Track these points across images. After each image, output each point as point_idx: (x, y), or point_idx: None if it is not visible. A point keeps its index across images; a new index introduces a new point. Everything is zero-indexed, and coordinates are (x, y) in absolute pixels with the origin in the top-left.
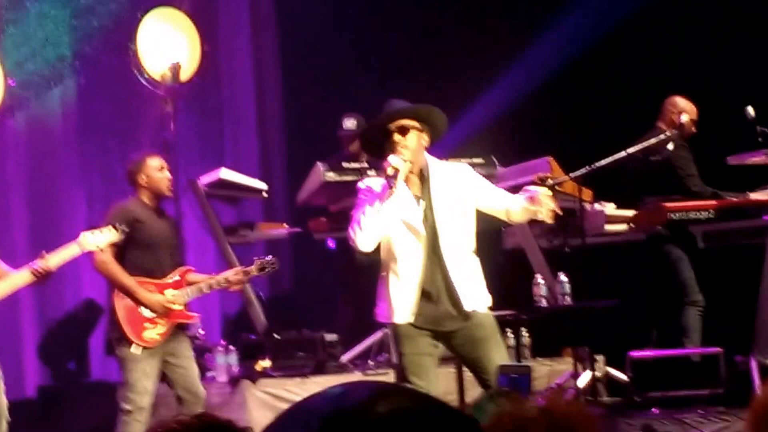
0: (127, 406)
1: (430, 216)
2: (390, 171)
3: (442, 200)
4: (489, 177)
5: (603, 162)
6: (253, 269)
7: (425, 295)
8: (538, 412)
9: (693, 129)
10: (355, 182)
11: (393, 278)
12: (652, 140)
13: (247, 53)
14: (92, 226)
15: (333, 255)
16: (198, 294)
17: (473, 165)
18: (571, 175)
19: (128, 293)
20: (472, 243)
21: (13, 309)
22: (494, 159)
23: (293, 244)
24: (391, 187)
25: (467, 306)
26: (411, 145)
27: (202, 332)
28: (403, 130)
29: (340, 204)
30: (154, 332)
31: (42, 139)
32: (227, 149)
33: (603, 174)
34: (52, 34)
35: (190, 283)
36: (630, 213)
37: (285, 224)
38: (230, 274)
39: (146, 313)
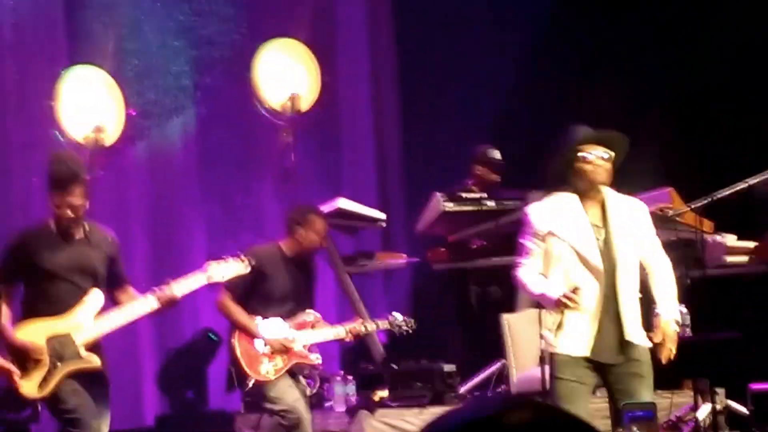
0: (272, 406)
1: (609, 247)
2: (570, 305)
3: (620, 233)
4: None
5: (724, 193)
6: (381, 324)
7: (599, 328)
8: None
9: None
10: (473, 213)
11: (568, 312)
12: None
13: (365, 82)
14: (211, 255)
15: (451, 285)
16: (320, 340)
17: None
18: (691, 205)
19: (246, 330)
20: (638, 279)
21: (132, 338)
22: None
23: (412, 273)
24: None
25: (632, 340)
26: (601, 174)
27: (319, 361)
28: (595, 158)
29: (459, 234)
30: (271, 366)
31: (163, 168)
32: (346, 179)
33: (724, 205)
34: (173, 64)
35: (313, 327)
36: (751, 244)
37: (403, 254)
38: (354, 326)
39: (261, 348)
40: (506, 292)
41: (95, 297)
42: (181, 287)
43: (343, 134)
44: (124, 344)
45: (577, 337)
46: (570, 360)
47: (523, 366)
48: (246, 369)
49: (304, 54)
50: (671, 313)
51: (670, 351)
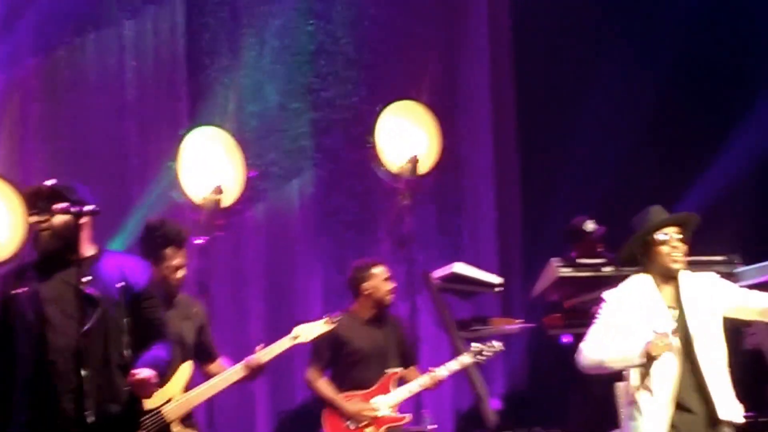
0: None
1: (683, 326)
2: (659, 351)
3: (695, 310)
4: (728, 276)
5: None
6: (465, 357)
7: (680, 407)
8: None
9: None
10: (589, 279)
11: (644, 394)
12: None
13: (488, 146)
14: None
15: (567, 351)
16: (407, 395)
17: (711, 263)
18: None
19: (333, 407)
20: (725, 354)
21: (248, 402)
22: (735, 257)
23: (528, 339)
24: (649, 360)
25: (723, 416)
26: (678, 256)
27: (434, 426)
28: (671, 239)
29: (575, 300)
30: None
31: (280, 230)
32: (465, 243)
33: None
34: (292, 126)
35: (399, 384)
36: None
37: (519, 320)
38: (441, 370)
39: (350, 425)
40: None
41: (185, 369)
42: (267, 353)
43: (463, 198)
44: (241, 408)
45: (653, 420)
46: None
47: None
48: None
49: (425, 117)
50: None
51: None
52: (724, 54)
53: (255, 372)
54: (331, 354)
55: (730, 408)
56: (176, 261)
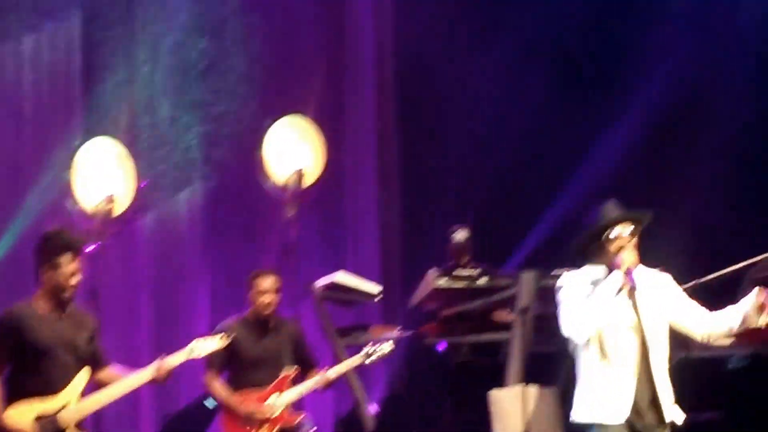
0: None
1: (639, 322)
2: (627, 266)
3: (649, 307)
4: None
5: (709, 277)
6: (357, 359)
7: (634, 404)
8: None
9: None
10: (464, 290)
11: (603, 380)
12: None
13: (371, 159)
14: (215, 324)
15: (443, 359)
16: (298, 395)
17: None
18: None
19: (229, 408)
20: (667, 354)
21: (133, 406)
22: None
23: (406, 346)
24: (630, 282)
25: (668, 418)
26: (630, 250)
27: (314, 429)
28: (624, 234)
29: (451, 309)
30: None
31: (169, 239)
32: (348, 253)
33: (711, 287)
34: (183, 139)
35: (292, 385)
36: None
37: (398, 327)
38: (331, 372)
39: (248, 426)
40: (496, 368)
41: (82, 375)
42: (171, 361)
43: (346, 209)
44: (125, 411)
45: (613, 406)
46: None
47: None
48: None
49: (311, 131)
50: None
51: None
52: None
53: (163, 377)
54: (225, 359)
55: (672, 410)
56: (71, 267)
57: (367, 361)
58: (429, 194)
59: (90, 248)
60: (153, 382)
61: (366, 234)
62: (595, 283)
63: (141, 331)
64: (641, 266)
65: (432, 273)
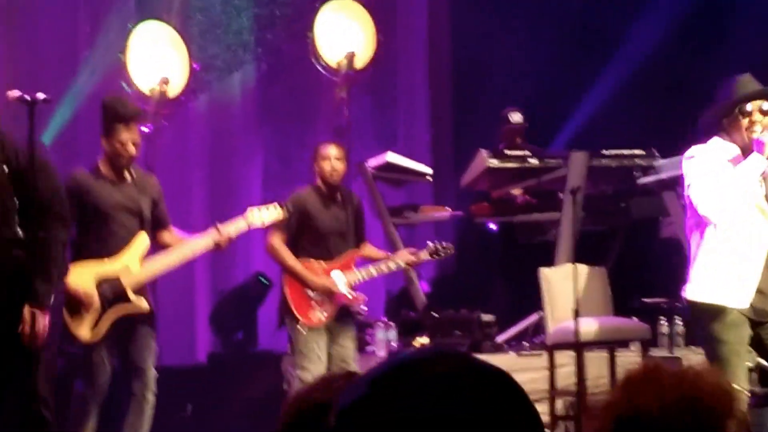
0: (303, 374)
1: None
2: None
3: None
4: (649, 169)
5: None
6: (423, 254)
7: (757, 291)
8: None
9: None
10: (516, 169)
11: (732, 260)
12: None
13: (421, 43)
14: (265, 204)
15: (493, 238)
16: (367, 277)
17: (633, 156)
18: None
19: (295, 276)
20: None
21: (188, 281)
22: (654, 151)
23: (456, 226)
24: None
25: None
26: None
27: (365, 309)
28: (754, 112)
29: (502, 189)
30: (320, 313)
31: (222, 121)
32: (400, 135)
33: None
34: (235, 21)
35: (361, 264)
36: None
37: (447, 208)
38: (400, 259)
39: (313, 294)
40: (546, 247)
41: (142, 240)
42: (229, 229)
43: (398, 92)
44: (180, 287)
45: (739, 289)
46: (737, 320)
47: (558, 318)
48: (295, 312)
49: (361, 13)
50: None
51: None
52: None
53: (222, 245)
54: (298, 227)
55: None
56: (125, 136)
57: (433, 257)
58: (479, 77)
59: (145, 129)
60: (215, 247)
61: (417, 116)
62: (731, 161)
63: (194, 209)
64: None
65: (483, 153)
